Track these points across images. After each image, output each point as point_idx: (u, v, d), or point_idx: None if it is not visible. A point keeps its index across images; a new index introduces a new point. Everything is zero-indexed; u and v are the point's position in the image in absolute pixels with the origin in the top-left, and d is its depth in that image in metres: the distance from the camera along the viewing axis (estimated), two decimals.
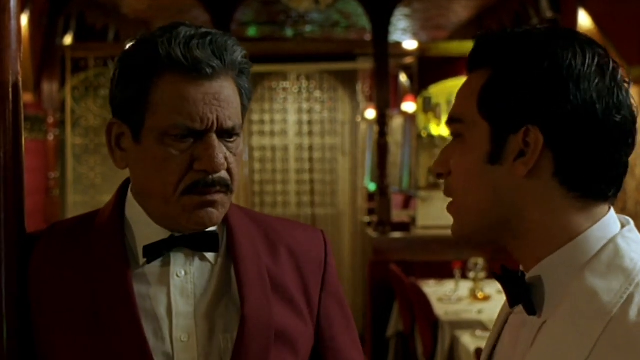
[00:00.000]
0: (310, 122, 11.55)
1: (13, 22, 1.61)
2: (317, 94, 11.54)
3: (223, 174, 1.58)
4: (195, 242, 1.64)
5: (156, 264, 1.64)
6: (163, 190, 1.58)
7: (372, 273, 8.43)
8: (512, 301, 1.40)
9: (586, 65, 1.30)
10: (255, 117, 11.61)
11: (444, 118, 11.11)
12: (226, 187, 1.59)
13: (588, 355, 1.23)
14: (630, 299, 1.25)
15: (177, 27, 1.58)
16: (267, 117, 11.61)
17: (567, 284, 1.30)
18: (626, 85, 1.35)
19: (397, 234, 9.00)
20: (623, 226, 1.35)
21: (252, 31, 11.68)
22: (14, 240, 1.60)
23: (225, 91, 1.58)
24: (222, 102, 1.57)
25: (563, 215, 1.32)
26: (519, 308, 1.38)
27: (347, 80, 11.48)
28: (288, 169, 11.64)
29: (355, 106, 11.48)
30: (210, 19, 8.98)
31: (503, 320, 1.48)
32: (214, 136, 1.56)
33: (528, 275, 1.35)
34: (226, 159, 1.58)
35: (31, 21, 7.87)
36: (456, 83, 11.25)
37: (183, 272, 1.64)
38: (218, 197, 1.59)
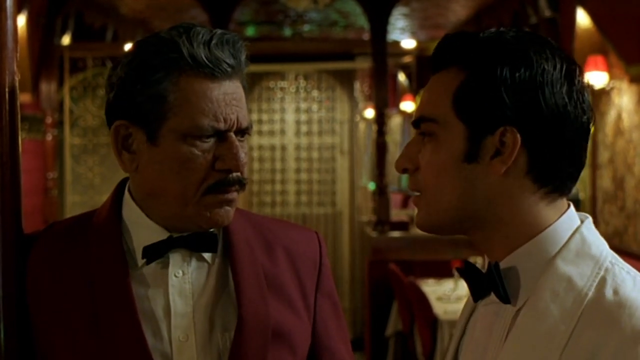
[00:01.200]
0: (308, 122, 11.56)
1: (9, 22, 1.60)
2: (315, 93, 11.55)
3: (242, 173, 1.61)
4: (193, 243, 1.65)
5: (154, 265, 1.64)
6: (183, 190, 1.58)
7: (371, 272, 8.43)
8: (475, 295, 1.47)
9: (557, 69, 1.39)
10: (254, 116, 11.61)
11: None
12: (243, 186, 1.63)
13: (570, 336, 1.32)
14: (602, 282, 1.35)
15: (192, 27, 1.59)
16: (265, 117, 11.61)
17: (539, 272, 1.38)
18: (587, 88, 1.44)
19: (396, 233, 9.00)
20: (581, 220, 1.44)
21: (250, 31, 11.69)
22: (11, 240, 1.59)
23: (239, 91, 1.62)
24: (239, 101, 1.60)
25: (534, 209, 1.40)
26: (488, 300, 1.44)
27: (346, 80, 11.49)
28: (286, 169, 11.64)
29: (354, 105, 11.49)
30: (208, 19, 8.98)
31: (467, 315, 1.55)
32: (234, 136, 1.59)
33: (502, 266, 1.41)
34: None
35: (29, 21, 7.87)
36: None
37: (181, 273, 1.64)
38: (235, 195, 1.62)
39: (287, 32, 11.77)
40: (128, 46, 8.35)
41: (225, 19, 8.99)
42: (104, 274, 1.61)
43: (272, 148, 11.68)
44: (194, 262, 1.66)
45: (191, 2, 9.11)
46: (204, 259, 1.67)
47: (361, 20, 9.87)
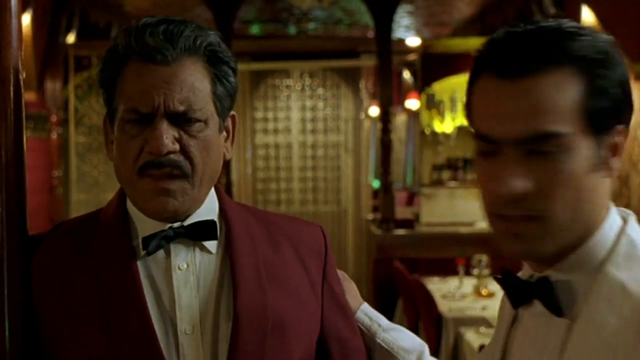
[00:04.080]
0: (313, 120, 11.56)
1: (14, 21, 1.61)
2: (320, 91, 11.55)
3: (176, 156, 1.58)
4: (193, 232, 1.66)
5: (159, 257, 1.65)
6: (127, 174, 1.61)
7: (375, 270, 8.43)
8: (515, 302, 1.40)
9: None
10: (259, 114, 11.62)
11: (448, 115, 11.11)
12: (180, 171, 1.59)
13: (632, 347, 1.22)
14: None
15: (148, 18, 1.64)
16: (270, 115, 11.62)
17: (591, 280, 1.30)
18: None
19: (400, 231, 8.99)
20: (623, 218, 1.36)
21: (255, 29, 11.68)
22: (16, 238, 1.60)
23: (181, 76, 1.58)
24: (174, 85, 1.57)
25: (598, 208, 1.34)
26: (535, 310, 1.37)
27: (351, 78, 11.49)
28: (291, 167, 11.65)
29: (359, 103, 11.49)
30: (212, 17, 8.98)
31: (508, 323, 1.47)
32: (163, 120, 1.57)
33: (552, 276, 1.34)
34: (181, 142, 1.59)
35: (34, 19, 7.88)
36: (459, 80, 11.26)
37: (185, 265, 1.65)
38: (174, 185, 1.59)
39: (292, 30, 11.76)
40: None
41: (229, 17, 9.00)
42: (112, 269, 1.62)
43: (277, 146, 11.69)
44: (198, 253, 1.67)
45: (196, 0, 9.11)
46: (207, 250, 1.68)
47: (366, 18, 9.87)
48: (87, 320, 1.59)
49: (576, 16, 8.00)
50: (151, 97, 1.56)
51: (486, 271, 6.62)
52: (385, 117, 8.96)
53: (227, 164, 8.88)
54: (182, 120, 1.58)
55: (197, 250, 1.67)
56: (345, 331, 1.81)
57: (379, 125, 9.21)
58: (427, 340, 6.36)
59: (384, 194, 9.03)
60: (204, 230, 1.66)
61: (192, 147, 1.59)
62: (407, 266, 7.57)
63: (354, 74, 11.57)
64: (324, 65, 11.38)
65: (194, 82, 1.60)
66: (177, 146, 1.58)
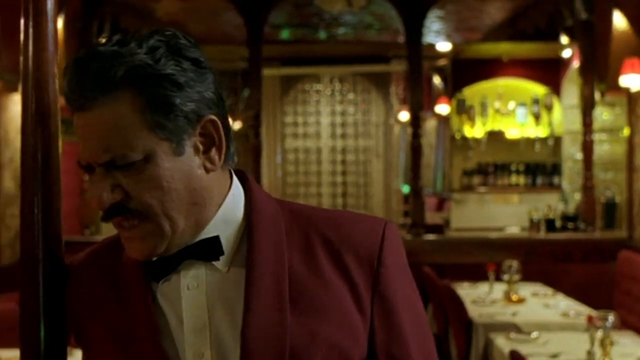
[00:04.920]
0: (343, 124, 11.57)
1: (50, 25, 1.62)
2: (351, 96, 11.56)
3: (123, 202, 1.46)
4: (198, 252, 1.52)
5: (173, 278, 1.54)
6: None
7: None
8: None
9: None
10: (288, 119, 11.64)
11: (478, 120, 11.10)
12: (134, 215, 1.47)
13: None
14: None
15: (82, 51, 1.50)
16: (300, 119, 11.64)
17: None
18: None
19: (430, 236, 8.98)
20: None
21: (285, 33, 11.70)
22: (51, 240, 1.61)
23: (98, 121, 1.45)
24: (93, 134, 1.45)
25: None
26: None
27: (381, 83, 11.49)
28: (321, 171, 11.66)
29: (389, 108, 11.49)
30: (243, 22, 9.01)
31: None
32: (99, 170, 1.46)
33: None
34: (123, 188, 1.46)
35: (65, 24, 7.93)
36: (490, 85, 11.24)
37: (195, 284, 1.52)
38: (137, 230, 1.48)
39: (322, 34, 11.78)
40: None
41: (259, 22, 9.03)
42: (130, 291, 1.56)
43: (307, 151, 11.70)
44: (207, 272, 1.52)
45: (226, 5, 9.14)
46: (217, 268, 1.52)
47: (396, 23, 9.87)
48: (107, 343, 1.57)
49: (608, 21, 7.97)
50: (83, 148, 1.47)
51: (516, 277, 6.59)
52: (416, 122, 8.95)
53: (257, 168, 8.90)
54: (116, 167, 1.45)
55: (206, 269, 1.53)
56: (406, 353, 1.57)
57: (409, 130, 9.20)
58: (457, 346, 6.35)
59: (414, 199, 9.02)
60: (208, 248, 1.52)
61: (136, 190, 1.45)
62: (436, 271, 7.56)
63: (384, 79, 11.57)
64: (354, 70, 11.39)
65: (116, 123, 1.43)
66: (117, 195, 1.46)
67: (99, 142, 1.44)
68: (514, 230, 10.39)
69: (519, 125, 11.39)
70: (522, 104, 11.40)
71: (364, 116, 11.63)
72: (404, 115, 11.77)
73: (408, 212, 9.49)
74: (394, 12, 9.28)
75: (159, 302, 1.54)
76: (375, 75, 11.52)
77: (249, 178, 1.62)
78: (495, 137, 11.35)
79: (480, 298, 6.70)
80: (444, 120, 12.40)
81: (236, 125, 12.70)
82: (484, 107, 11.30)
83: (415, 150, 9.00)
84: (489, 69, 11.20)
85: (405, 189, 11.69)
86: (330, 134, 11.65)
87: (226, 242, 1.53)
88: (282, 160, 11.78)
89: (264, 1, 9.13)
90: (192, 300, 1.51)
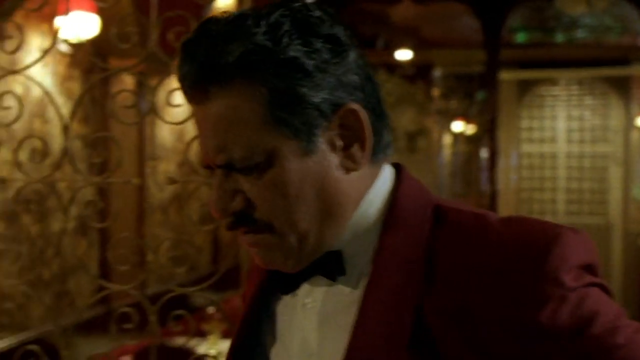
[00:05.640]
0: (580, 129, 11.32)
1: None
2: (588, 100, 11.29)
3: (244, 210, 1.22)
4: (319, 267, 1.25)
5: (293, 295, 1.31)
6: None
7: None
8: None
9: None
10: (524, 123, 11.51)
11: None
12: (256, 224, 1.23)
13: None
14: None
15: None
16: (535, 124, 11.48)
17: None
18: None
19: None
20: None
21: (521, 37, 11.56)
22: None
23: (213, 117, 1.21)
24: (208, 132, 1.22)
25: None
26: None
27: (620, 86, 11.16)
28: (556, 177, 11.45)
29: (629, 113, 11.14)
30: (480, 25, 8.99)
31: None
32: (217, 172, 1.23)
33: None
34: (245, 194, 1.22)
35: None
36: None
37: (309, 300, 1.28)
38: (254, 238, 1.24)
39: (559, 37, 11.56)
40: (399, 54, 8.48)
41: (497, 26, 8.98)
42: (259, 304, 1.38)
43: (542, 155, 11.52)
44: (327, 290, 1.27)
45: (463, 9, 9.15)
46: (340, 286, 1.25)
47: (637, 25, 9.55)
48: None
49: None
50: (200, 147, 1.24)
51: None
52: None
53: (493, 173, 8.84)
54: (236, 170, 1.21)
55: (327, 286, 1.26)
56: None
57: None
58: None
59: None
60: (325, 263, 1.25)
61: (260, 199, 1.20)
62: None
63: (624, 83, 11.22)
64: (592, 73, 11.11)
65: (231, 119, 1.19)
66: (238, 203, 1.22)
67: (214, 141, 1.20)
68: None
69: None
70: None
71: (602, 121, 11.32)
72: None
73: None
74: (636, 13, 8.99)
75: (280, 317, 1.35)
76: (614, 79, 11.19)
77: (403, 175, 1.30)
78: None
79: None
80: None
81: (469, 129, 12.67)
82: None
83: None
84: None
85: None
86: (567, 139, 11.42)
87: (353, 256, 1.25)
88: (518, 165, 11.65)
89: (502, 4, 9.07)
90: (304, 317, 1.29)
